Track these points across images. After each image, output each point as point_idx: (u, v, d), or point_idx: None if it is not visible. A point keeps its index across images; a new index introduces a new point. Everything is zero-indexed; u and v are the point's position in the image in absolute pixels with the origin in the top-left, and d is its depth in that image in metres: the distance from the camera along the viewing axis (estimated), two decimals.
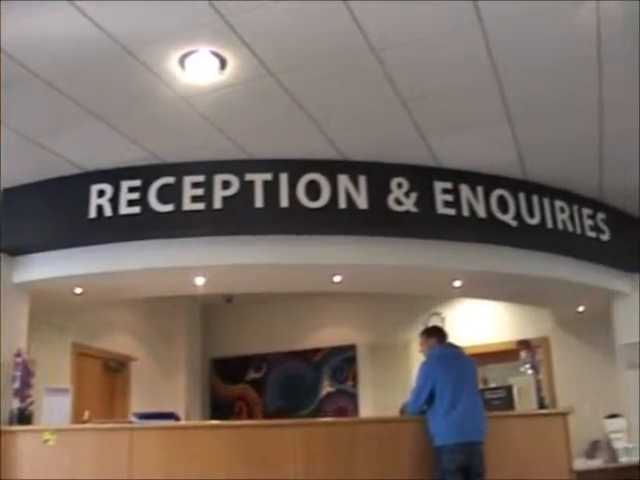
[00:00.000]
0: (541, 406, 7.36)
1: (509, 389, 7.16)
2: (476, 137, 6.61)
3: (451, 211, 7.06)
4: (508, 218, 7.29)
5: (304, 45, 5.04)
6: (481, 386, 8.34)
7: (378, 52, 5.12)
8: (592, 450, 7.95)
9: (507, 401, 7.07)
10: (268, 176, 6.74)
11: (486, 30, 4.93)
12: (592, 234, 7.98)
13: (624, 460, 7.68)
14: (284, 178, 6.75)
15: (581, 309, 9.31)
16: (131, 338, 9.80)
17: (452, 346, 6.57)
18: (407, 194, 6.95)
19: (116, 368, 9.42)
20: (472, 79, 5.62)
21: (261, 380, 11.31)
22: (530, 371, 7.61)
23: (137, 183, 6.70)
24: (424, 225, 7.00)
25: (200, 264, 6.90)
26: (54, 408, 6.32)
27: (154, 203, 6.64)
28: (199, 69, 5.20)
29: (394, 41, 5.03)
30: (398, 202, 6.91)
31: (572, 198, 7.87)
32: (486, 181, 7.28)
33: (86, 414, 6.62)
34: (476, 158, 7.03)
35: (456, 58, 5.30)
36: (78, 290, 7.31)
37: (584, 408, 8.13)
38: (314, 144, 6.55)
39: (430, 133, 6.46)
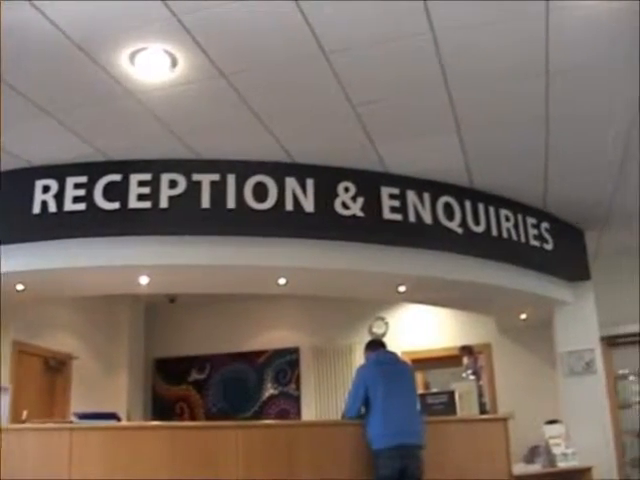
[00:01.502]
0: (482, 411, 7.46)
1: (451, 394, 7.23)
2: (424, 144, 6.66)
3: (397, 216, 7.10)
4: (454, 225, 7.36)
5: (256, 47, 5.03)
6: (423, 391, 8.44)
7: (329, 55, 5.13)
8: (531, 455, 8.04)
9: (449, 406, 7.14)
10: (215, 177, 6.71)
11: (437, 38, 4.97)
12: (536, 243, 8.09)
13: (562, 465, 7.78)
14: (231, 179, 6.72)
15: (523, 317, 9.43)
16: (73, 336, 9.69)
17: (388, 352, 6.64)
18: (354, 198, 6.97)
19: (57, 367, 9.29)
20: (422, 86, 5.66)
21: (204, 381, 11.27)
22: (472, 377, 7.70)
23: (83, 179, 6.61)
24: (370, 230, 7.03)
25: (144, 263, 6.83)
26: None
27: (100, 200, 6.56)
28: (149, 66, 5.16)
29: (345, 45, 5.04)
30: (345, 206, 6.93)
31: (517, 207, 7.98)
32: (433, 188, 7.34)
33: (24, 414, 6.50)
34: (423, 165, 7.08)
35: (407, 65, 5.34)
36: (20, 287, 7.19)
37: (524, 414, 8.24)
38: (263, 146, 6.54)
39: (379, 138, 6.49)
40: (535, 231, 8.12)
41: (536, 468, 7.75)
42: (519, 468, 7.42)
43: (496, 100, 5.90)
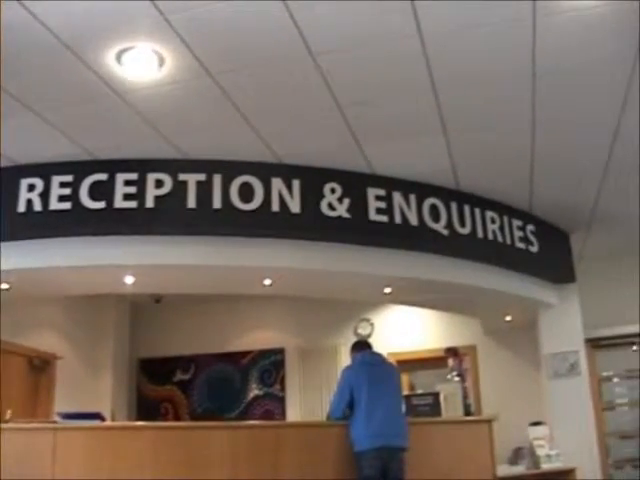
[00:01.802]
0: (467, 413, 7.46)
1: (436, 396, 7.24)
2: (411, 146, 6.66)
3: (383, 218, 7.10)
4: (440, 227, 7.36)
5: (243, 47, 5.02)
6: (408, 392, 8.44)
7: (316, 57, 5.13)
8: (515, 457, 8.06)
9: (434, 407, 7.15)
10: (201, 177, 6.69)
11: (424, 40, 4.97)
12: (521, 245, 8.10)
13: (546, 466, 7.80)
14: (217, 179, 6.71)
15: (508, 319, 9.45)
16: (57, 336, 9.64)
17: (374, 353, 6.64)
18: (340, 199, 6.97)
19: (41, 366, 9.25)
20: (409, 88, 5.66)
21: (188, 382, 11.25)
22: (457, 378, 7.71)
23: (69, 178, 6.58)
24: (356, 231, 7.02)
25: (130, 263, 6.80)
26: None
27: (85, 199, 6.53)
28: (136, 65, 5.15)
29: (333, 47, 5.04)
30: (331, 207, 6.93)
31: (503, 209, 7.99)
32: (419, 189, 7.35)
33: (8, 413, 6.48)
34: (410, 166, 7.08)
35: (394, 67, 5.34)
36: (4, 286, 7.15)
37: (508, 415, 8.25)
38: (249, 146, 6.53)
39: (365, 140, 6.50)
40: (520, 233, 8.14)
41: (520, 470, 7.77)
42: (503, 469, 7.44)
43: (483, 103, 5.90)
